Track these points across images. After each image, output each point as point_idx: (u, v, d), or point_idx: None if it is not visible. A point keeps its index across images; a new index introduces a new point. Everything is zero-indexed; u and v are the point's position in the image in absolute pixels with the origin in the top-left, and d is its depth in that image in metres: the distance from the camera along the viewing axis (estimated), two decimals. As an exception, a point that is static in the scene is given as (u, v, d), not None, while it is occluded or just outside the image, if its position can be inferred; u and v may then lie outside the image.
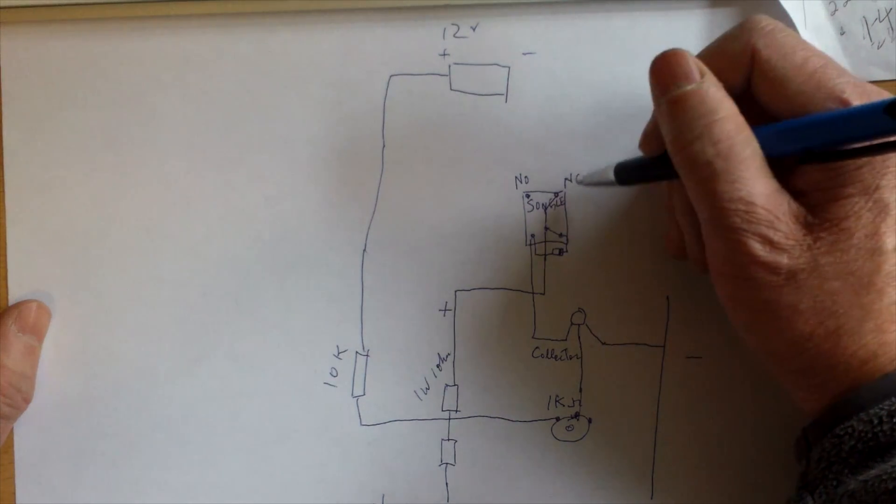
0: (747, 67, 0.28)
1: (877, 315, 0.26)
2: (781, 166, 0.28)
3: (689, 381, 0.35)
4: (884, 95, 0.27)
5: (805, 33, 0.34)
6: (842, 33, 0.35)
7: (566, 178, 0.35)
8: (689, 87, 0.27)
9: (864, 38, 0.35)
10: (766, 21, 0.28)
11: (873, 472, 0.25)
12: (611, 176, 0.32)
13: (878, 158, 0.27)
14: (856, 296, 0.26)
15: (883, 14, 0.35)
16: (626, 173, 0.31)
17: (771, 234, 0.27)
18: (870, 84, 0.27)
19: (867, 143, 0.26)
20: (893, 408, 0.25)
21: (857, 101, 0.26)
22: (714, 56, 0.29)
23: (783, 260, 0.27)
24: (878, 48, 0.35)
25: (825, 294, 0.26)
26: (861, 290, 0.26)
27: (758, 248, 0.27)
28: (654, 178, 0.31)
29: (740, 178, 0.26)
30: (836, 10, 0.35)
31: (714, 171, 0.27)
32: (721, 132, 0.27)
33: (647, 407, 0.35)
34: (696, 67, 0.27)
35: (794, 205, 0.27)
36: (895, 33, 0.35)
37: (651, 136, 0.31)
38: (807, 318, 0.27)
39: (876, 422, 0.25)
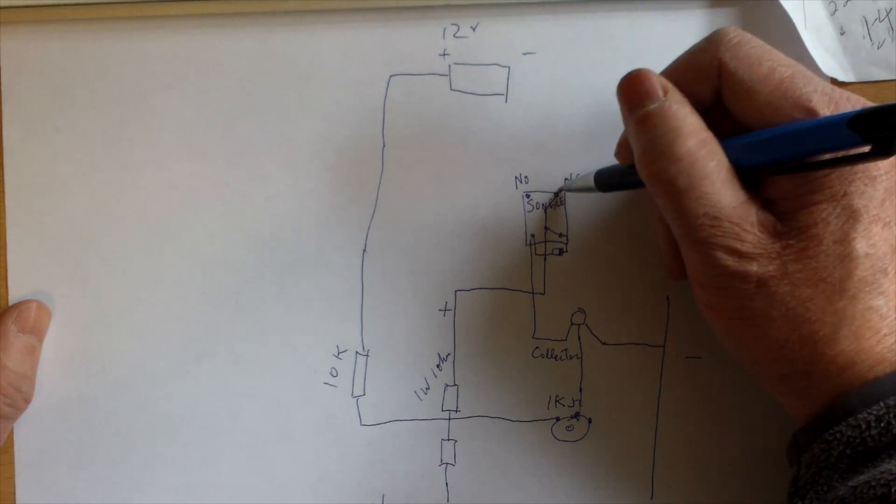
0: (715, 79, 0.28)
1: (851, 321, 0.26)
2: (753, 176, 0.28)
3: (689, 381, 0.35)
4: (852, 102, 0.27)
5: (805, 33, 0.34)
6: (842, 33, 0.35)
7: (566, 179, 0.35)
8: (652, 107, 0.28)
9: (864, 38, 0.35)
10: (733, 33, 0.28)
11: (862, 478, 0.25)
12: (591, 182, 0.32)
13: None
14: (828, 302, 0.26)
15: (883, 14, 0.35)
16: (605, 180, 0.32)
17: (738, 245, 0.27)
18: (839, 90, 0.27)
19: (833, 156, 0.26)
20: (881, 412, 0.25)
21: (824, 111, 0.26)
22: (682, 69, 0.29)
23: (752, 268, 0.27)
24: (878, 48, 0.35)
25: (797, 301, 0.27)
26: (833, 297, 0.26)
27: (726, 258, 0.27)
28: (631, 186, 0.31)
29: (704, 193, 0.27)
30: (836, 10, 0.35)
31: (678, 188, 0.27)
32: (682, 149, 0.27)
33: (647, 407, 0.35)
34: (659, 86, 0.28)
35: (763, 214, 0.27)
36: (895, 33, 0.35)
37: (624, 146, 0.31)
38: (780, 324, 0.27)
39: (864, 426, 0.25)
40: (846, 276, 0.26)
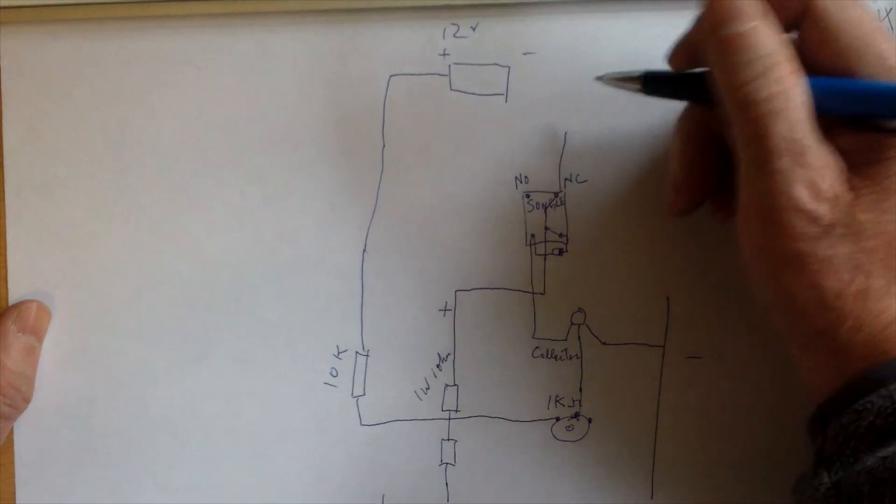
0: (800, 10, 0.28)
1: None
2: (821, 122, 0.27)
3: (689, 381, 0.35)
4: None
5: (805, 33, 0.34)
6: (842, 33, 0.35)
7: (566, 178, 0.35)
8: (749, 26, 0.27)
9: (864, 38, 0.35)
10: None
11: (892, 449, 0.24)
12: (637, 82, 0.31)
13: None
14: (888, 257, 0.26)
15: (883, 14, 0.35)
16: (656, 83, 0.30)
17: (819, 181, 0.26)
18: None
19: None
20: None
21: None
22: None
23: (825, 210, 0.26)
24: (878, 48, 0.35)
25: (861, 252, 0.26)
26: (893, 252, 0.26)
27: (804, 193, 0.26)
28: (684, 96, 0.30)
29: (798, 120, 0.26)
30: (836, 10, 0.35)
31: (772, 109, 0.26)
32: (783, 72, 0.26)
33: (647, 407, 0.35)
34: (756, 6, 0.27)
35: (840, 160, 0.27)
36: (895, 33, 0.35)
37: (682, 50, 0.30)
38: (840, 274, 0.26)
39: None
40: None
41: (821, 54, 0.27)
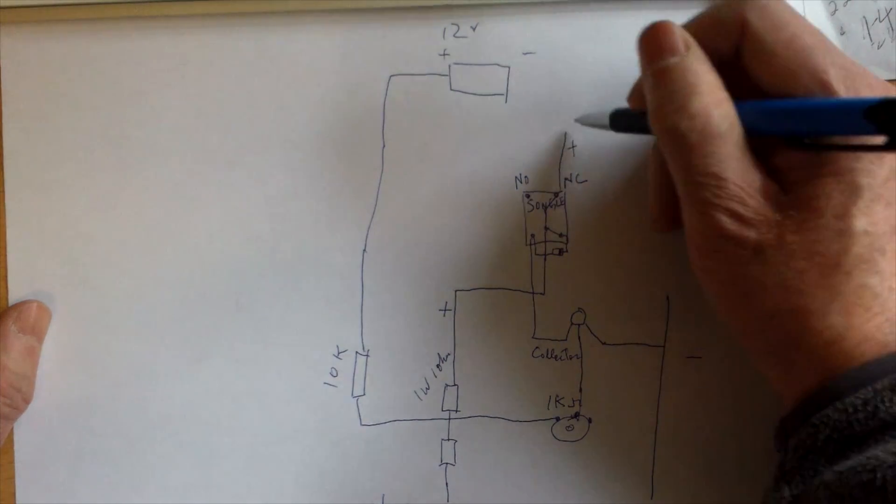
0: (737, 36, 0.28)
1: (842, 296, 0.26)
2: (764, 142, 0.28)
3: (689, 381, 0.35)
4: (868, 81, 0.27)
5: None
6: (842, 33, 0.35)
7: (566, 178, 0.35)
8: (672, 61, 0.28)
9: (864, 38, 0.35)
10: None
11: (849, 463, 0.25)
12: (606, 120, 0.32)
13: None
14: (822, 276, 0.26)
15: (883, 14, 0.35)
16: (620, 121, 0.32)
17: (740, 209, 0.27)
18: (858, 67, 0.27)
19: (845, 143, 0.26)
20: (869, 396, 0.25)
21: (839, 86, 0.26)
22: (706, 21, 0.29)
23: (751, 234, 0.27)
24: (878, 48, 0.35)
25: (791, 272, 0.26)
26: (828, 271, 0.26)
27: (727, 221, 0.27)
28: (643, 131, 0.31)
29: (713, 153, 0.27)
30: (836, 10, 0.35)
31: (689, 144, 0.27)
32: (698, 106, 0.27)
33: (647, 407, 0.35)
34: (681, 40, 0.28)
35: (768, 182, 0.27)
36: (895, 33, 0.35)
37: (637, 92, 0.31)
38: (772, 294, 0.27)
39: (851, 410, 0.25)
40: (842, 251, 0.26)
41: (761, 76, 0.28)
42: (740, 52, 0.28)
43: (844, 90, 0.26)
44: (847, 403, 0.25)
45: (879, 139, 0.24)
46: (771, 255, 0.27)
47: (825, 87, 0.26)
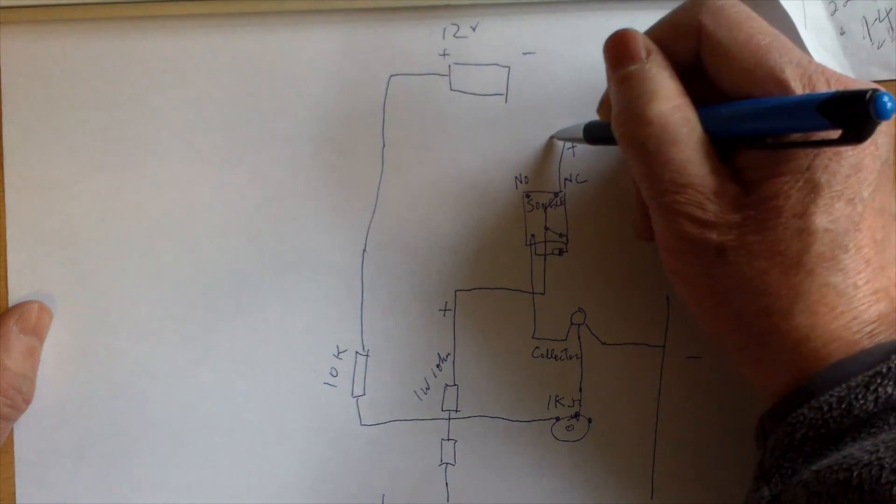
0: (695, 40, 0.28)
1: (806, 296, 0.26)
2: (726, 145, 0.28)
3: (689, 381, 0.35)
4: (826, 76, 0.26)
5: (805, 33, 0.34)
6: (842, 33, 0.35)
7: (566, 179, 0.35)
8: (633, 67, 0.28)
9: (864, 38, 0.35)
10: None
11: (825, 462, 0.25)
12: (580, 133, 0.32)
13: None
14: (785, 276, 0.26)
15: (883, 14, 0.35)
16: (594, 132, 0.32)
17: (699, 213, 0.27)
18: (815, 63, 0.27)
19: (803, 139, 0.26)
20: (843, 394, 0.25)
21: (795, 83, 0.26)
22: (665, 28, 0.29)
23: (712, 236, 0.27)
24: (878, 48, 0.35)
25: (754, 272, 0.26)
26: (790, 270, 0.26)
27: (688, 225, 0.27)
28: (615, 141, 0.31)
29: (671, 159, 0.27)
30: (836, 10, 0.35)
31: (646, 151, 0.27)
32: (654, 112, 0.27)
33: (647, 407, 0.35)
34: (643, 47, 0.28)
35: (729, 184, 0.27)
36: (895, 33, 0.35)
37: (606, 103, 0.31)
38: (736, 294, 0.27)
39: (826, 409, 0.25)
40: (803, 250, 0.26)
41: (720, 78, 0.28)
42: (700, 57, 0.28)
43: (802, 87, 0.26)
44: (822, 402, 0.25)
45: (836, 134, 0.24)
46: (733, 256, 0.27)
47: (782, 85, 0.26)
